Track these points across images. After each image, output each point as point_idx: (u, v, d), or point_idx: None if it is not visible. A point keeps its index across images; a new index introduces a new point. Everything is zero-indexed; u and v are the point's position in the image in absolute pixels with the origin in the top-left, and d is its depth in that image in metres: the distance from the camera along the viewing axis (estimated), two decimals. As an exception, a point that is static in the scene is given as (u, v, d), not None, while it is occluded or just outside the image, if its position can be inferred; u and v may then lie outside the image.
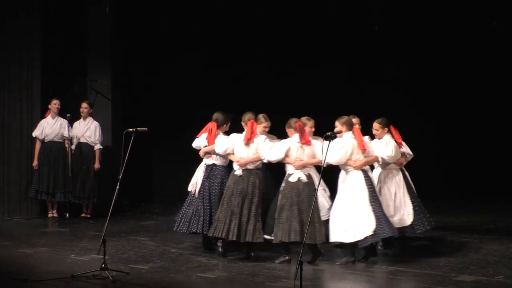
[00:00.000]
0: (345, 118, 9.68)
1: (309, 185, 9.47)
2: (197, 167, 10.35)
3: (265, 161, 9.71)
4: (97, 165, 12.90)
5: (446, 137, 15.89)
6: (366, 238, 9.30)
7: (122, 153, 8.69)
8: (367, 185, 9.44)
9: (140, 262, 9.40)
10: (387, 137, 9.89)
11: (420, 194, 10.35)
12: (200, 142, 10.22)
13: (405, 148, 10.19)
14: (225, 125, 10.21)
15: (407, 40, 15.25)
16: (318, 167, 9.58)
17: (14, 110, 12.94)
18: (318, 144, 9.48)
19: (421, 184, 10.60)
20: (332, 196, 9.97)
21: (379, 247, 10.07)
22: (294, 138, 9.57)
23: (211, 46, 14.91)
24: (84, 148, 12.92)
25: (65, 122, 12.77)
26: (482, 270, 9.10)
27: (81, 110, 12.93)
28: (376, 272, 9.13)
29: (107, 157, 13.14)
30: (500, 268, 9.21)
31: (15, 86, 12.94)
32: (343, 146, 9.47)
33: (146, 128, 9.07)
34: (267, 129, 9.81)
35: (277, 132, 10.00)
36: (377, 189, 9.74)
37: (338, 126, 9.60)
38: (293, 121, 9.61)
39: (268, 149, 9.60)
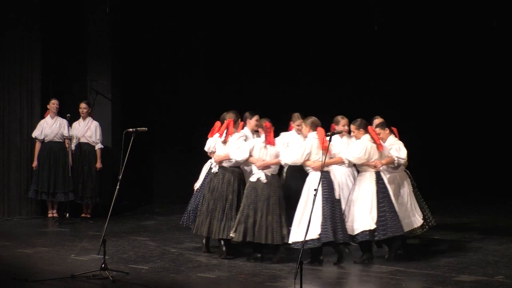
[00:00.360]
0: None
1: (270, 185, 9.50)
2: (197, 166, 10.36)
3: (233, 161, 9.73)
4: (99, 165, 12.90)
5: (447, 137, 15.88)
6: (308, 241, 9.03)
7: (122, 153, 8.70)
8: (323, 187, 9.23)
9: (140, 262, 9.40)
10: (365, 138, 9.62)
11: (420, 194, 10.35)
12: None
13: (396, 152, 9.82)
14: (241, 124, 10.10)
15: (407, 40, 15.25)
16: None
17: (14, 110, 12.93)
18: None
19: (421, 184, 10.59)
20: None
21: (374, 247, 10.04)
22: (260, 139, 9.64)
23: (211, 46, 14.89)
24: (84, 148, 12.91)
25: (64, 121, 12.77)
26: (482, 270, 9.10)
27: (80, 110, 12.92)
28: (376, 272, 9.12)
29: (107, 157, 13.14)
30: (500, 268, 9.22)
31: (15, 86, 12.94)
32: (301, 146, 9.48)
33: (146, 128, 9.08)
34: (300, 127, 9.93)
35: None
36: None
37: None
38: (263, 120, 9.77)
39: (236, 149, 9.66)
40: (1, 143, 12.91)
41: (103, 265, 8.45)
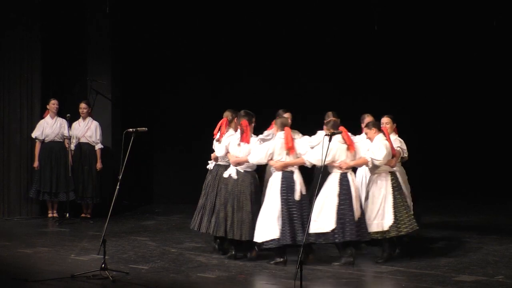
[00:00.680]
0: (281, 119, 9.70)
1: (240, 182, 9.57)
2: (197, 166, 10.35)
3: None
4: (99, 165, 12.90)
5: (447, 137, 15.88)
6: (269, 240, 9.24)
7: (122, 153, 8.70)
8: (282, 187, 9.28)
9: (140, 262, 9.41)
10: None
11: (420, 194, 10.34)
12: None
13: (372, 154, 9.53)
14: (252, 124, 9.99)
15: (407, 40, 15.25)
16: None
17: (14, 110, 12.93)
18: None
19: (421, 184, 10.59)
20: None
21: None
22: (236, 136, 9.70)
23: (211, 46, 14.89)
24: (84, 148, 12.92)
25: (64, 121, 12.77)
26: (482, 270, 9.10)
27: (80, 110, 12.92)
28: (376, 272, 9.12)
29: (107, 157, 13.14)
30: (500, 268, 9.22)
31: (15, 86, 12.94)
32: (264, 146, 9.51)
33: (146, 128, 9.08)
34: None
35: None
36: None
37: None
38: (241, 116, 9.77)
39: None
40: (1, 143, 12.91)
41: (103, 265, 8.45)
